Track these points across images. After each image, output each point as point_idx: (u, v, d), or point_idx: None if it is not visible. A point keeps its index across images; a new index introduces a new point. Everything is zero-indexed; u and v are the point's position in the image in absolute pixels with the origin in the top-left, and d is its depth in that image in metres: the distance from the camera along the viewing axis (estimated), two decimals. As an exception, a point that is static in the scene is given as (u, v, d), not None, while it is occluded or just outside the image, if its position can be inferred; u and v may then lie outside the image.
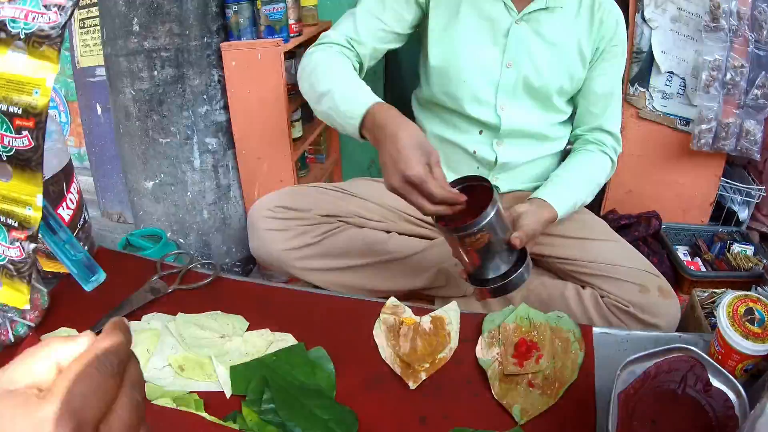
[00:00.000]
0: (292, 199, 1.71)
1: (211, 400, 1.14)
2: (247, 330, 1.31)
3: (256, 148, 2.39)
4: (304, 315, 1.40)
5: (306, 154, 2.81)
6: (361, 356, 1.29)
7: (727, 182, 2.74)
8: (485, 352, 1.31)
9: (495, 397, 1.21)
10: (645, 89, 2.61)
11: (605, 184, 2.52)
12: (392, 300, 1.43)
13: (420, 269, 1.75)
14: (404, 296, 1.62)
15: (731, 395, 1.06)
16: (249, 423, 1.10)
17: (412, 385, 1.22)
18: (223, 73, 2.32)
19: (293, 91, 2.36)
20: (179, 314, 1.31)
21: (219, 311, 1.35)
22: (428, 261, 1.75)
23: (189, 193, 2.43)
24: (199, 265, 1.50)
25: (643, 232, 2.54)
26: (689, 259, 2.58)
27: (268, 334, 1.31)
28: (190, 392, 1.16)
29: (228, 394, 1.16)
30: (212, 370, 1.20)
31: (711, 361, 1.09)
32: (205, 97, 2.34)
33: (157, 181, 2.41)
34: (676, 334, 1.34)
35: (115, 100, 2.35)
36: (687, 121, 2.59)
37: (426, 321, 1.38)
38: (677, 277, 2.49)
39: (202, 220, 2.48)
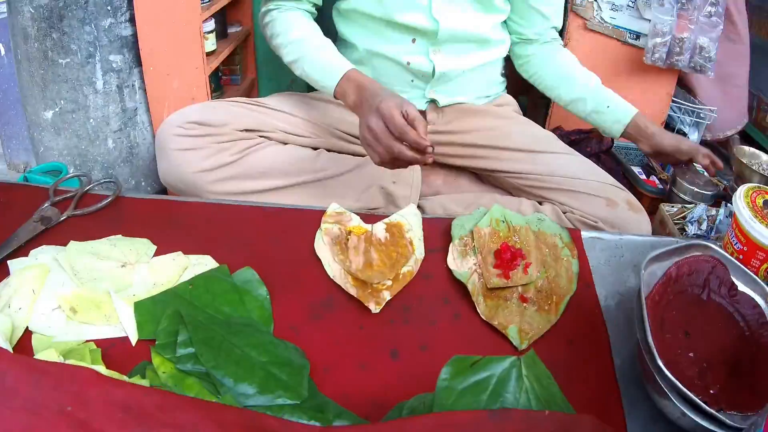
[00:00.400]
0: (206, 114, 1.44)
1: (112, 349, 0.83)
2: (155, 255, 1.01)
3: (165, 64, 2.11)
4: (226, 232, 1.09)
5: (220, 75, 2.58)
6: (301, 276, 1.00)
7: (678, 102, 2.54)
8: (459, 263, 1.03)
9: (482, 317, 0.93)
10: (593, 0, 2.36)
11: (549, 99, 2.33)
12: (334, 206, 1.13)
13: (355, 188, 1.52)
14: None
15: (759, 300, 0.91)
16: (162, 376, 0.78)
17: (374, 309, 0.93)
18: None
19: None
20: (71, 242, 1.00)
21: (119, 235, 1.04)
22: (364, 179, 1.53)
23: (92, 120, 2.13)
24: (98, 187, 1.20)
25: (595, 148, 2.31)
26: (645, 177, 2.36)
27: (180, 257, 1.00)
28: (86, 341, 0.84)
29: (133, 339, 0.85)
30: (112, 309, 0.89)
31: (734, 260, 0.94)
32: (109, 8, 2.04)
33: (57, 110, 2.10)
34: (674, 238, 1.09)
35: (14, 24, 2.04)
36: (637, 35, 2.38)
37: (380, 229, 1.08)
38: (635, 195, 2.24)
39: (106, 151, 2.17)
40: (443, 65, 1.55)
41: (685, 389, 0.71)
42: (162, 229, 1.07)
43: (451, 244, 1.06)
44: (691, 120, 2.60)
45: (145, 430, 0.64)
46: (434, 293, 0.98)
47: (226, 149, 1.41)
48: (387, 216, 1.12)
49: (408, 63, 1.55)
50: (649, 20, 2.29)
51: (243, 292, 0.94)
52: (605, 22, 2.37)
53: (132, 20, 2.09)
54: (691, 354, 0.82)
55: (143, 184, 2.30)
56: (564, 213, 1.47)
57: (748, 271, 0.93)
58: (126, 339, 0.85)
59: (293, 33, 1.47)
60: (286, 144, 1.51)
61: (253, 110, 1.51)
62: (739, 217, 1.02)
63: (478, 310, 0.93)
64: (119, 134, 2.17)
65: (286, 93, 1.68)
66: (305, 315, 0.92)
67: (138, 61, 2.14)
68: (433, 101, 1.61)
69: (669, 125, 2.62)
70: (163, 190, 2.09)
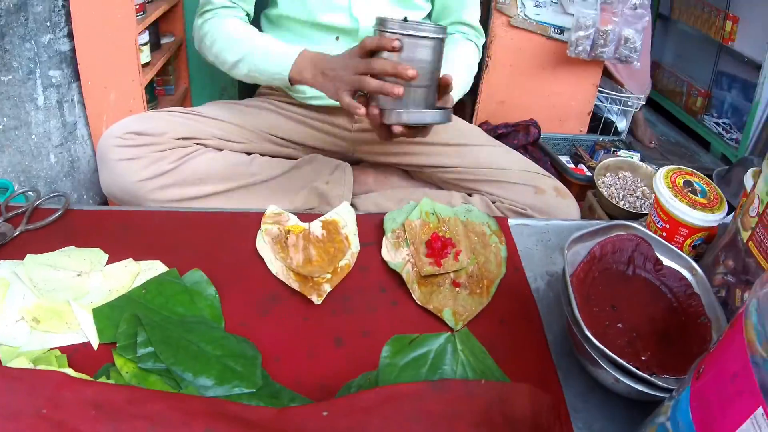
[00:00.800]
0: (144, 124, 1.47)
1: (76, 354, 0.87)
2: (108, 263, 1.04)
3: (103, 77, 2.13)
4: (172, 237, 1.13)
5: (155, 86, 2.58)
6: (246, 275, 1.05)
7: (605, 92, 2.64)
8: (393, 255, 1.09)
9: (418, 302, 1.00)
10: None
11: (476, 96, 2.37)
12: (272, 208, 1.18)
13: (289, 190, 1.57)
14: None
15: (685, 273, 0.97)
16: (126, 376, 0.82)
17: (316, 300, 0.98)
18: None
19: (141, 11, 2.17)
20: (28, 256, 1.03)
21: (72, 246, 1.08)
22: (297, 181, 1.58)
23: (33, 136, 2.11)
24: (47, 201, 1.21)
25: (522, 140, 2.42)
26: (573, 166, 2.45)
27: (132, 264, 1.04)
28: (51, 349, 0.88)
29: (95, 343, 0.89)
30: (73, 317, 0.93)
31: (657, 237, 0.99)
32: (48, 24, 2.04)
33: (0, 127, 2.05)
34: (600, 221, 1.16)
35: (-43, 42, 2.00)
36: (561, 30, 2.47)
37: (316, 227, 1.14)
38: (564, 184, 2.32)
39: (49, 166, 2.16)
40: None
41: (612, 354, 0.76)
42: (112, 239, 1.10)
43: (384, 237, 1.12)
44: (618, 108, 2.70)
45: (117, 424, 0.68)
46: (371, 283, 1.04)
47: (165, 158, 1.44)
48: (322, 214, 1.17)
49: None
50: (573, 15, 2.37)
51: (193, 293, 0.98)
52: (529, 18, 2.45)
53: (70, 35, 2.09)
54: (619, 325, 0.87)
55: (85, 197, 2.29)
56: (494, 203, 1.53)
57: (672, 247, 0.98)
58: (88, 344, 0.88)
59: (235, 34, 1.51)
60: (221, 150, 1.55)
61: (189, 119, 1.54)
62: (659, 197, 1.10)
63: (414, 297, 0.99)
64: (60, 149, 2.17)
65: (219, 101, 1.72)
66: (253, 310, 0.97)
67: (77, 76, 2.14)
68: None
69: (597, 115, 2.72)
70: (105, 202, 2.10)
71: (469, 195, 1.58)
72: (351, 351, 0.90)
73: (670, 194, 1.06)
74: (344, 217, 1.17)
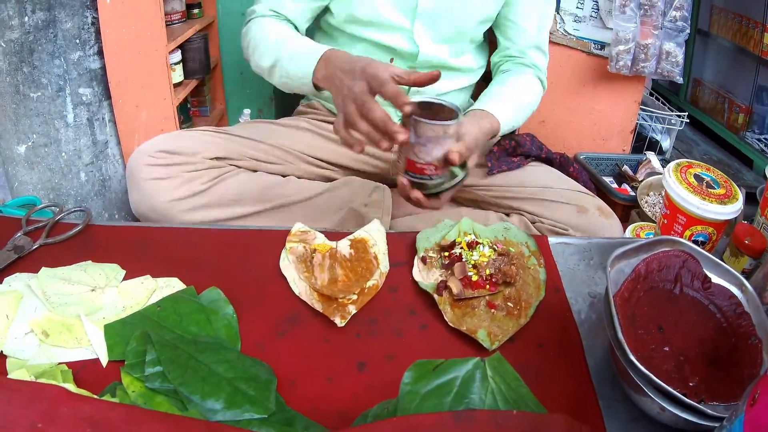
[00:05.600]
0: (176, 143, 1.42)
1: (84, 370, 0.83)
2: (124, 279, 1.00)
3: (134, 95, 2.10)
4: (193, 254, 1.08)
5: (189, 107, 2.56)
6: (267, 295, 0.99)
7: (648, 110, 2.56)
8: (425, 275, 1.02)
9: (450, 323, 0.93)
10: (555, 12, 2.39)
11: None
12: (299, 225, 1.13)
13: (326, 211, 1.51)
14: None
15: (735, 290, 0.89)
16: (132, 395, 0.77)
17: (339, 323, 0.92)
18: (96, 14, 2.02)
19: (170, 23, 2.18)
20: (42, 269, 1.00)
21: (89, 261, 1.04)
22: (335, 202, 1.52)
23: (64, 154, 2.10)
24: (69, 216, 1.19)
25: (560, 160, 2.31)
26: (617, 186, 2.36)
27: (149, 281, 1.00)
28: (58, 363, 0.84)
29: (104, 360, 0.84)
30: (83, 332, 0.89)
31: (704, 252, 0.92)
32: (77, 41, 2.03)
33: (29, 144, 2.07)
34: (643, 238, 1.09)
35: (-14, 58, 2.02)
36: (602, 45, 2.40)
37: (344, 246, 1.08)
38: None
39: (79, 184, 2.15)
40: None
41: (660, 381, 0.70)
42: (130, 255, 1.06)
43: (416, 257, 1.06)
44: (662, 127, 2.61)
45: (111, 445, 0.63)
46: (400, 305, 0.98)
47: (197, 178, 1.39)
48: (351, 233, 1.11)
49: None
50: (611, 29, 2.30)
51: (210, 312, 0.93)
52: (569, 34, 2.38)
53: (100, 53, 2.08)
54: (666, 348, 0.81)
55: (116, 216, 2.27)
56: (533, 223, 1.46)
57: (721, 262, 0.92)
58: (97, 361, 0.84)
59: (270, 37, 1.44)
60: (255, 171, 1.50)
61: (223, 138, 1.49)
62: (671, 194, 1.09)
63: (446, 318, 0.93)
64: (91, 167, 2.15)
65: (254, 121, 1.68)
66: (271, 331, 0.91)
67: (107, 94, 2.13)
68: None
69: (641, 134, 2.63)
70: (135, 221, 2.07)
71: (507, 215, 1.52)
72: (374, 376, 0.84)
73: (682, 189, 1.07)
74: (374, 235, 1.10)
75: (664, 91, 3.23)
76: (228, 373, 0.80)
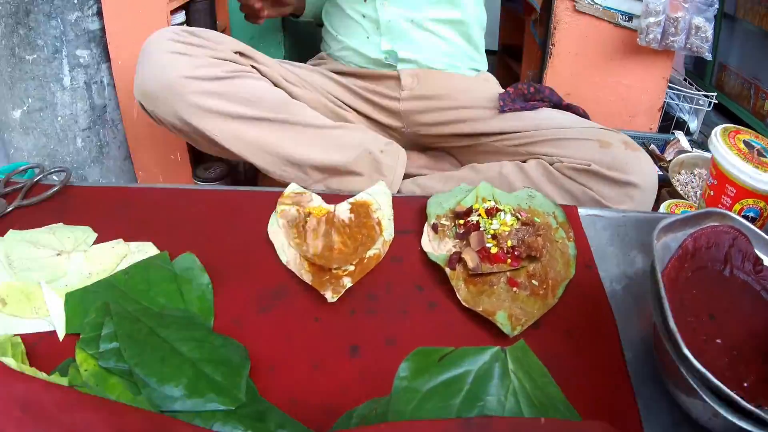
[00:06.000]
0: (201, 30, 1.36)
1: (41, 343, 0.72)
2: (95, 243, 0.88)
3: (133, 56, 1.91)
4: (173, 218, 0.94)
5: None
6: (251, 265, 0.84)
7: (675, 88, 2.39)
8: (436, 246, 0.86)
9: (463, 304, 0.76)
10: None
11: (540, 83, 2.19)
12: (294, 186, 0.98)
13: (341, 144, 1.36)
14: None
15: None
16: (84, 374, 0.64)
17: (331, 297, 0.76)
18: None
19: None
20: (9, 231, 0.90)
21: (60, 224, 0.93)
22: (351, 138, 1.37)
23: (60, 118, 1.97)
24: (51, 176, 1.11)
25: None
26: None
27: (120, 245, 0.87)
28: (15, 335, 0.72)
29: (61, 333, 0.72)
30: (42, 301, 0.78)
31: (756, 230, 0.78)
32: (75, 1, 1.91)
33: (24, 108, 1.96)
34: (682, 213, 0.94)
35: (-21, 20, 1.92)
36: (629, 17, 2.22)
37: (344, 210, 0.93)
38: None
39: (75, 150, 2.01)
40: (390, 13, 1.50)
41: (718, 382, 0.55)
42: (106, 217, 0.94)
43: (426, 224, 0.90)
44: (690, 107, 2.45)
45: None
46: (405, 279, 0.82)
47: (218, 65, 1.28)
48: (351, 196, 0.96)
49: (363, 15, 1.53)
50: (641, 0, 2.14)
51: (182, 281, 0.79)
52: (595, 3, 2.21)
53: (99, 13, 1.96)
54: (718, 341, 0.66)
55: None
56: (551, 164, 1.30)
57: None
58: (54, 333, 0.73)
59: None
60: (275, 86, 1.40)
61: (247, 50, 1.40)
62: (721, 163, 0.97)
63: (459, 296, 0.77)
64: (88, 132, 2.02)
65: (276, 60, 1.56)
66: (251, 307, 0.76)
67: (106, 56, 2.01)
68: (394, 57, 1.53)
69: (668, 114, 2.47)
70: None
71: (523, 162, 1.35)
72: (369, 364, 0.69)
73: (726, 148, 0.94)
74: (378, 199, 0.95)
75: (690, 75, 3.06)
76: (193, 354, 0.65)
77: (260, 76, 1.35)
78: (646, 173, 1.23)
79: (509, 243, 0.84)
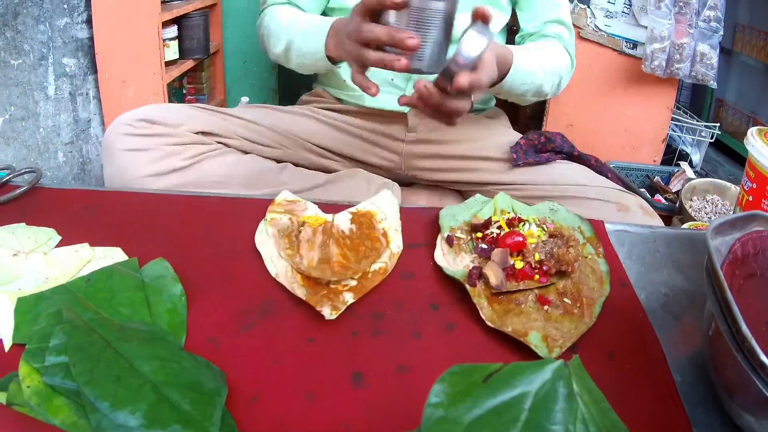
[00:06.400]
0: (159, 113, 1.21)
1: None
2: (58, 246, 0.78)
3: (122, 69, 1.92)
4: (147, 223, 0.83)
5: (185, 93, 2.32)
6: (234, 276, 0.72)
7: (677, 119, 2.30)
8: (451, 260, 0.74)
9: (489, 323, 0.64)
10: (586, 5, 2.17)
11: (543, 115, 2.07)
12: (286, 194, 0.86)
13: None
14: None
15: None
16: (26, 392, 0.53)
17: (329, 315, 0.63)
18: None
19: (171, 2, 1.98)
20: None
21: (23, 224, 0.83)
22: (335, 196, 1.27)
23: (41, 129, 1.88)
24: (23, 177, 1.02)
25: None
26: (650, 196, 2.10)
27: (85, 249, 0.76)
28: None
29: (7, 343, 0.61)
30: None
31: None
32: (66, 6, 1.84)
33: (6, 117, 1.84)
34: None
35: (-33, 21, 1.86)
36: (634, 44, 2.16)
37: (344, 219, 0.80)
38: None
39: (57, 165, 1.92)
40: None
41: None
42: (74, 219, 0.85)
43: (439, 237, 0.78)
44: (693, 139, 2.36)
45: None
46: (417, 297, 0.69)
47: (179, 153, 1.17)
48: (353, 205, 0.84)
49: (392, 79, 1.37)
50: (646, 27, 2.09)
51: (151, 291, 0.67)
52: (600, 30, 2.14)
53: (89, 21, 1.89)
54: None
55: (97, 206, 2.04)
56: None
57: None
58: (1, 342, 0.62)
59: (283, 21, 1.28)
60: (246, 154, 1.28)
61: (215, 115, 1.28)
62: (751, 151, 0.93)
63: (482, 316, 0.64)
64: (70, 147, 1.92)
65: (253, 105, 1.44)
66: (232, 323, 0.63)
67: (93, 68, 1.93)
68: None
69: (670, 146, 2.40)
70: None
71: None
72: (376, 395, 0.55)
73: (762, 145, 0.87)
74: (384, 208, 0.83)
75: (687, 110, 3.00)
76: (156, 375, 0.52)
77: (227, 150, 1.25)
78: None
79: (536, 257, 0.71)
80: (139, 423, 0.47)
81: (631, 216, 1.19)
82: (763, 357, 0.50)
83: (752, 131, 0.95)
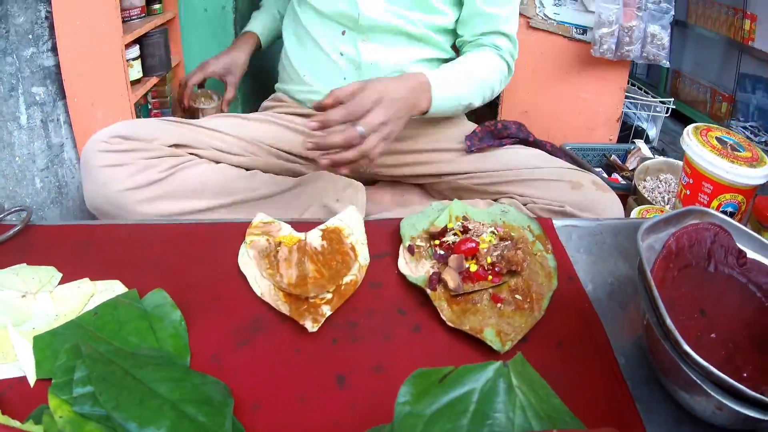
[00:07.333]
0: (133, 129, 1.29)
1: (10, 391, 0.68)
2: (60, 283, 0.85)
3: (89, 93, 1.95)
4: (139, 254, 0.91)
5: (150, 108, 2.36)
6: (225, 298, 0.81)
7: (631, 97, 2.40)
8: (414, 267, 0.84)
9: (449, 324, 0.74)
10: None
11: (497, 104, 2.16)
12: (261, 216, 0.95)
13: (296, 207, 1.35)
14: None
15: None
16: (59, 421, 0.61)
17: (311, 327, 0.73)
18: (50, 7, 1.87)
19: (128, 19, 2.01)
20: None
21: (24, 264, 0.89)
22: (304, 197, 1.36)
23: (17, 158, 1.91)
24: (11, 217, 1.06)
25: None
26: (607, 175, 2.20)
27: (86, 284, 0.83)
28: None
29: (31, 379, 0.69)
30: (10, 345, 0.75)
31: (736, 224, 0.80)
32: (30, 36, 1.87)
33: None
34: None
35: (-66, 57, 1.87)
36: (584, 30, 2.24)
37: (315, 237, 0.90)
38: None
39: (35, 191, 1.95)
40: (370, 56, 1.42)
41: (722, 375, 0.56)
42: (71, 256, 0.91)
43: (401, 247, 0.88)
44: (648, 115, 2.47)
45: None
46: (386, 304, 0.79)
47: (154, 166, 1.25)
48: (322, 222, 0.93)
49: (341, 53, 1.44)
50: (594, 12, 2.15)
51: (153, 319, 0.75)
52: (549, 18, 2.22)
53: (54, 49, 1.93)
54: (713, 335, 0.68)
55: (75, 226, 2.10)
56: (525, 205, 1.30)
57: (756, 235, 0.79)
58: (25, 379, 0.69)
59: None
60: (218, 163, 1.35)
61: (184, 127, 1.35)
62: (694, 159, 0.98)
63: (443, 317, 0.75)
64: (46, 173, 1.97)
65: (219, 114, 1.53)
66: (229, 342, 0.73)
67: (62, 93, 1.97)
68: None
69: (626, 123, 2.50)
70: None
71: (495, 201, 1.35)
72: (358, 393, 0.66)
73: (709, 154, 0.94)
74: (350, 223, 0.93)
75: (643, 84, 3.10)
76: (172, 395, 0.62)
77: (199, 161, 1.33)
78: (617, 213, 1.26)
79: (489, 260, 0.82)
80: (165, 436, 0.57)
81: (585, 191, 1.27)
82: (686, 346, 0.58)
83: (688, 130, 1.03)
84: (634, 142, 2.35)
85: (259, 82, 2.02)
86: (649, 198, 1.77)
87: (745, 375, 0.63)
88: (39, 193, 1.96)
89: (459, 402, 0.52)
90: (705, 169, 0.97)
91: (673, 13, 2.15)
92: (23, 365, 0.71)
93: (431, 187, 1.49)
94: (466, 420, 0.50)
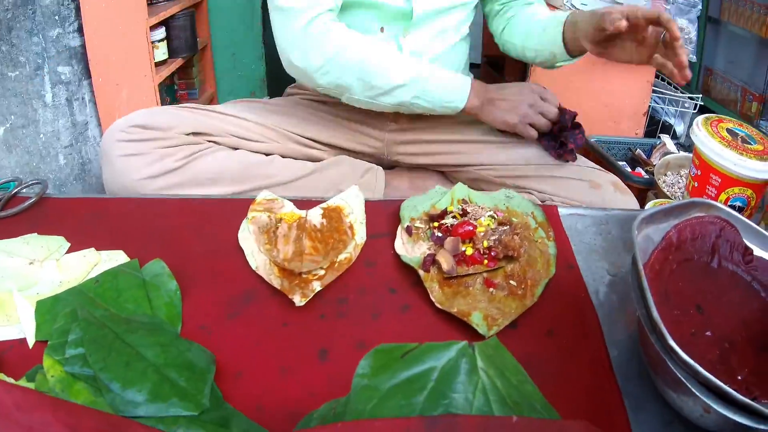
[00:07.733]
0: (151, 118, 1.29)
1: (11, 351, 0.72)
2: (68, 252, 0.89)
3: (114, 73, 1.99)
4: (145, 226, 0.94)
5: (177, 89, 2.37)
6: (221, 271, 0.83)
7: (659, 92, 2.38)
8: (410, 248, 0.85)
9: (438, 305, 0.75)
10: None
11: None
12: (265, 193, 0.96)
13: (313, 193, 1.33)
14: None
15: None
16: (51, 380, 0.64)
17: (299, 301, 0.74)
18: None
19: (155, 1, 2.06)
20: None
21: (35, 233, 0.94)
22: (322, 183, 1.36)
23: (42, 135, 1.98)
24: (30, 189, 1.09)
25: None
26: (631, 169, 2.18)
27: (92, 254, 0.87)
28: None
29: (31, 341, 0.72)
30: (14, 309, 0.79)
31: (744, 219, 0.76)
32: (57, 18, 1.92)
33: (7, 125, 1.96)
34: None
35: (-38, 37, 1.94)
36: None
37: (315, 215, 0.91)
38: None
39: (58, 167, 2.01)
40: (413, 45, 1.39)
41: (709, 375, 0.53)
42: (80, 227, 0.94)
43: (399, 227, 0.89)
44: (676, 110, 2.44)
45: (-1, 430, 0.51)
46: (378, 283, 0.80)
47: (171, 154, 1.26)
48: (325, 201, 0.94)
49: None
50: (621, 4, 2.12)
51: (150, 288, 0.78)
52: (575, 8, 2.20)
53: (80, 30, 1.97)
54: (708, 333, 0.65)
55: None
56: (542, 202, 1.28)
57: (764, 231, 0.76)
58: (25, 341, 0.73)
59: (395, 55, 1.31)
60: (236, 149, 1.35)
61: (202, 114, 1.36)
62: (695, 141, 0.98)
63: (432, 298, 0.75)
64: (70, 150, 2.02)
65: (240, 100, 1.52)
66: (220, 312, 0.74)
67: (87, 73, 2.02)
68: None
69: (653, 118, 2.47)
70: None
71: None
72: (338, 367, 0.67)
73: (718, 146, 0.92)
74: (351, 202, 0.93)
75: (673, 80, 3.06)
76: (157, 359, 0.64)
77: (217, 148, 1.32)
78: None
79: (485, 244, 0.82)
80: (145, 398, 0.59)
81: (604, 192, 1.25)
82: (671, 341, 0.55)
83: (698, 121, 1.01)
84: (660, 137, 2.33)
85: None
86: (668, 192, 1.75)
87: (739, 378, 0.61)
88: (62, 170, 2.01)
89: (417, 379, 0.52)
90: (713, 161, 0.95)
91: (700, 7, 2.14)
92: (24, 327, 0.74)
93: (452, 175, 1.49)
94: (422, 397, 0.50)
